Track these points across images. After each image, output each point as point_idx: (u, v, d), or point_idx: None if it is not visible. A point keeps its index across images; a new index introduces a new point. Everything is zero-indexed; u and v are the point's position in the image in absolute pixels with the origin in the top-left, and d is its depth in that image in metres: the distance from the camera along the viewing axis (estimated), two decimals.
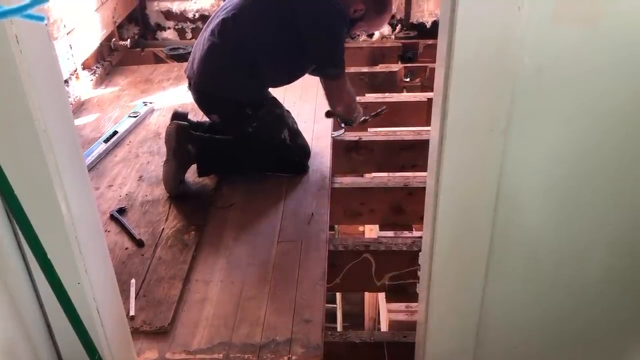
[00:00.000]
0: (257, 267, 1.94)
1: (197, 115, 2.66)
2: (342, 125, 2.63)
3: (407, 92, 3.52)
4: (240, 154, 2.40)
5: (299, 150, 2.45)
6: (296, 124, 2.49)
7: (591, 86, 1.05)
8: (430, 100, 3.01)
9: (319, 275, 1.90)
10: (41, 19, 0.66)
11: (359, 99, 3.14)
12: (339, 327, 4.91)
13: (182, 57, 3.72)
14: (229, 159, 2.40)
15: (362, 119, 2.58)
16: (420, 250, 1.41)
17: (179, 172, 2.29)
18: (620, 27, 0.99)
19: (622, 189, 1.16)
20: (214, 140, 2.39)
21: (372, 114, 2.65)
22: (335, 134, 2.74)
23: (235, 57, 2.23)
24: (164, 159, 2.33)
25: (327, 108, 2.48)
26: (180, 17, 4.06)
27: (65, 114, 1.13)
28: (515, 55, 1.01)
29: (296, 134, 2.44)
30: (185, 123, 2.30)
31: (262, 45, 2.22)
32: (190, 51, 2.37)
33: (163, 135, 2.73)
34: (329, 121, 2.80)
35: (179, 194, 2.29)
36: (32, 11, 0.61)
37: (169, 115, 2.89)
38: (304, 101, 2.96)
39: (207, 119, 2.50)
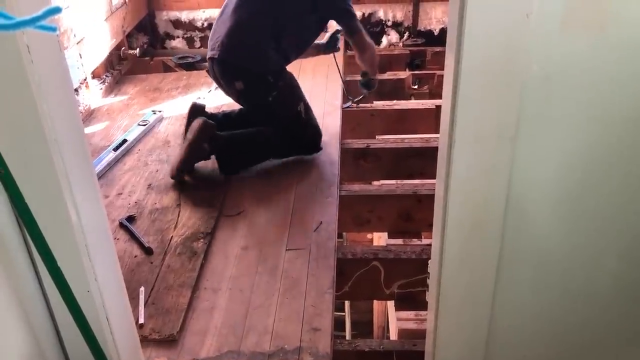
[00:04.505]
0: (266, 275, 1.94)
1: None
2: (363, 88, 2.91)
3: (415, 99, 3.52)
4: (257, 145, 2.53)
5: (312, 128, 2.59)
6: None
7: (600, 93, 1.05)
8: (438, 107, 3.01)
9: (328, 283, 1.89)
10: (53, 29, 0.67)
11: (371, 106, 3.20)
12: (348, 336, 4.89)
13: (190, 66, 3.74)
14: (247, 153, 2.52)
15: (372, 90, 2.92)
16: (429, 258, 1.40)
17: (185, 163, 2.43)
18: (628, 34, 0.99)
19: (632, 197, 1.16)
20: (230, 142, 2.49)
21: (355, 99, 3.03)
22: (345, 105, 3.02)
23: (263, 31, 2.42)
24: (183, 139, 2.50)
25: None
26: (189, 26, 4.09)
27: (75, 123, 1.14)
28: (524, 62, 1.01)
29: (309, 108, 2.60)
30: (213, 123, 2.44)
31: (286, 13, 2.44)
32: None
33: (172, 143, 2.76)
34: (336, 126, 2.81)
35: (180, 180, 2.45)
36: (44, 22, 0.61)
37: (178, 124, 2.92)
38: (312, 103, 2.96)
39: (220, 111, 2.70)
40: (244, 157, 2.53)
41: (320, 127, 2.72)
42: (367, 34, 2.70)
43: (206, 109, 2.60)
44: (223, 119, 2.59)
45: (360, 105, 3.15)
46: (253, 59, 2.44)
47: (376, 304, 3.99)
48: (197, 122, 2.41)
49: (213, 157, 2.48)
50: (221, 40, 2.44)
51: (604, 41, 0.99)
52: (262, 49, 2.44)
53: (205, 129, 2.39)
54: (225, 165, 2.48)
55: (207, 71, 2.63)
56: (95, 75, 3.30)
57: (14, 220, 1.11)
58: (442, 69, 1.16)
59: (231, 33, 2.43)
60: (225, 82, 2.54)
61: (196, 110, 2.52)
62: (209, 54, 2.50)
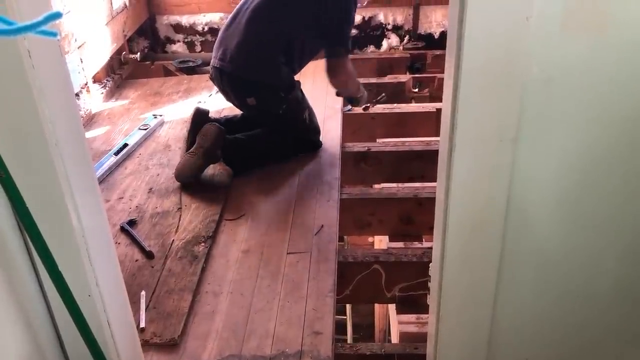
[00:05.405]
0: (267, 279, 1.94)
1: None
2: (348, 103, 2.94)
3: (416, 102, 3.52)
4: (262, 148, 2.57)
5: (314, 129, 2.71)
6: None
7: (600, 95, 1.05)
8: (438, 110, 3.01)
9: (329, 286, 1.89)
10: (54, 34, 0.67)
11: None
12: (349, 339, 4.89)
13: (191, 70, 3.75)
14: (252, 157, 2.57)
15: (364, 104, 2.88)
16: (430, 261, 1.40)
17: (201, 170, 2.44)
18: (628, 35, 0.99)
19: (632, 198, 1.16)
20: (237, 145, 2.52)
21: (374, 100, 2.95)
22: (345, 109, 3.07)
23: (275, 47, 2.45)
24: (186, 150, 2.49)
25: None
26: (190, 30, 4.10)
27: (76, 128, 1.14)
28: (524, 65, 1.01)
29: (312, 112, 2.69)
30: (224, 128, 2.46)
31: (296, 31, 2.46)
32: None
33: (173, 147, 2.76)
34: (337, 130, 2.81)
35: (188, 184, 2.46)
36: (45, 27, 0.62)
37: (179, 128, 2.93)
38: (313, 107, 2.97)
39: (221, 115, 2.74)
40: (249, 160, 2.55)
41: (321, 130, 2.75)
42: (351, 66, 2.57)
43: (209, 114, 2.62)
44: (226, 124, 2.59)
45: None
46: (267, 76, 2.47)
47: (377, 307, 3.98)
48: (211, 129, 2.43)
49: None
50: (231, 54, 2.45)
51: (604, 43, 0.99)
52: (274, 65, 2.46)
53: (220, 136, 2.42)
54: (233, 167, 2.52)
55: (211, 79, 2.62)
56: (96, 79, 3.31)
57: (15, 223, 1.11)
58: (443, 72, 1.16)
59: (243, 47, 2.44)
60: (236, 97, 2.57)
61: (200, 116, 2.54)
62: (217, 63, 2.51)
